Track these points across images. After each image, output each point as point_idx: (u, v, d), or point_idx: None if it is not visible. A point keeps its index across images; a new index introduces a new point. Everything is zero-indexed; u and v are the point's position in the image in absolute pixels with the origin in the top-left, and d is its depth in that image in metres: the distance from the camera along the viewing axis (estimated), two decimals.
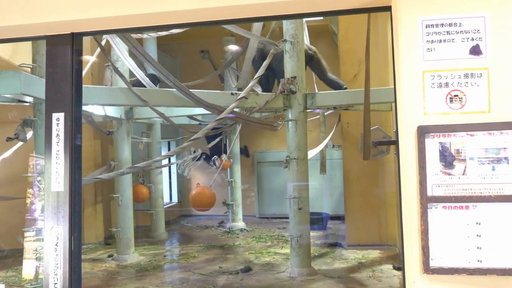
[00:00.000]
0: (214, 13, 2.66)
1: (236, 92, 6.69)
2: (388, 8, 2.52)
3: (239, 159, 10.86)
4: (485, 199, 2.10)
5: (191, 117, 8.64)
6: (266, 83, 7.72)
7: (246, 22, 3.16)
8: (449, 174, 2.14)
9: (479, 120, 2.16)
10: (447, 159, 2.15)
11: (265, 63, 6.58)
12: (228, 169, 10.60)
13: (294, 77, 6.56)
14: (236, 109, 6.28)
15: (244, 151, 12.24)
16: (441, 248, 2.12)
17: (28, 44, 5.66)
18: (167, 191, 12.58)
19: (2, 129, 6.51)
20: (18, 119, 5.27)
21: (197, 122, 9.28)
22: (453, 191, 2.13)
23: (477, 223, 2.10)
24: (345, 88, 7.43)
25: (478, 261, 2.09)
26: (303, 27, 6.90)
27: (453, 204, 2.13)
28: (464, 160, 2.14)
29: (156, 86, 7.52)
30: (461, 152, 2.14)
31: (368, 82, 4.26)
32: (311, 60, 7.43)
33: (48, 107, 2.88)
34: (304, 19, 7.15)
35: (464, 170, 2.13)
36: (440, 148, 2.16)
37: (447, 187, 2.14)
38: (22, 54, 6.50)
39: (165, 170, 11.92)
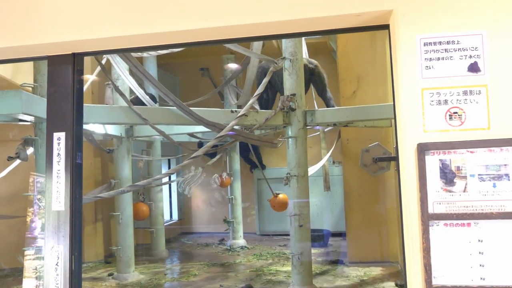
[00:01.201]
0: (214, 32, 2.68)
1: (236, 109, 6.72)
2: (386, 27, 2.54)
3: (240, 176, 10.84)
4: (486, 216, 2.10)
5: (191, 134, 8.65)
6: (266, 101, 7.74)
7: (245, 41, 3.19)
8: (450, 191, 2.15)
9: (479, 137, 2.16)
10: (448, 176, 2.15)
11: (265, 80, 6.61)
12: (229, 186, 10.57)
13: (294, 95, 6.58)
14: (236, 127, 6.29)
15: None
16: (443, 266, 2.12)
17: (30, 63, 5.70)
18: (167, 208, 12.54)
19: (3, 148, 6.51)
20: (19, 138, 5.28)
21: (197, 140, 9.29)
22: (454, 208, 2.13)
23: (479, 240, 2.10)
24: None
25: (481, 279, 2.09)
26: (302, 45, 6.95)
27: (454, 221, 2.13)
28: (465, 177, 2.14)
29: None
30: (461, 169, 2.15)
31: None
32: (312, 74, 7.45)
33: (49, 126, 2.89)
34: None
35: (465, 187, 2.14)
36: (441, 165, 2.16)
37: (448, 204, 2.14)
38: (23, 74, 6.53)
39: (165, 188, 11.90)
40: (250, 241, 11.00)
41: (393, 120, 2.48)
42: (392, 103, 2.49)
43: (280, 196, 8.50)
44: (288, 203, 8.28)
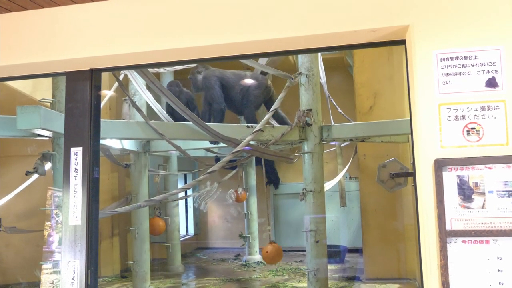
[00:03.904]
0: (230, 48, 2.70)
1: (252, 125, 6.72)
2: (402, 42, 2.54)
3: (255, 191, 10.81)
4: (505, 233, 2.06)
5: (207, 149, 8.66)
6: (204, 114, 7.54)
7: (262, 56, 3.21)
8: (468, 208, 2.12)
9: (497, 152, 2.14)
10: (466, 192, 2.12)
11: (281, 96, 6.62)
12: (244, 201, 10.54)
13: (310, 110, 6.58)
14: (252, 142, 6.30)
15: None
16: (461, 284, 2.08)
17: (49, 79, 5.78)
18: (183, 223, 12.54)
19: (22, 162, 6.59)
20: (37, 153, 5.34)
21: (214, 155, 9.30)
22: (472, 225, 2.10)
23: (498, 257, 2.06)
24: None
25: None
26: (318, 60, 6.96)
27: (473, 238, 2.10)
28: (483, 193, 2.11)
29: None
30: (479, 185, 2.12)
31: None
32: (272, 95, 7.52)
33: (67, 141, 2.93)
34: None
35: (483, 204, 2.11)
36: (458, 181, 2.14)
37: (467, 221, 2.11)
38: (42, 90, 6.63)
39: (181, 203, 11.91)
40: None
41: (410, 136, 2.46)
42: (409, 118, 2.48)
43: (274, 245, 7.94)
44: (281, 254, 7.97)
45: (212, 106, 7.28)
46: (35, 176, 5.75)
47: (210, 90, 7.28)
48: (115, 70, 3.95)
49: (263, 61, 6.71)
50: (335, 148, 9.19)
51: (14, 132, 4.85)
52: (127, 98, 7.38)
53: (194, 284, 8.90)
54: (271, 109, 6.60)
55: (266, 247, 7.78)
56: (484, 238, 2.08)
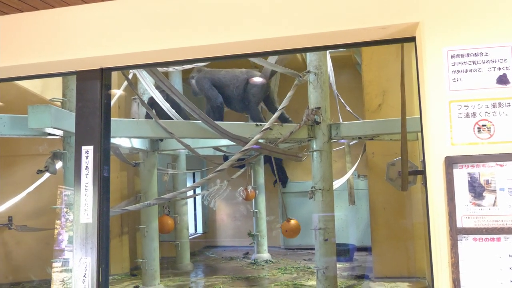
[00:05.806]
0: (239, 46, 2.70)
1: (261, 123, 6.73)
2: (412, 39, 2.54)
3: (264, 189, 10.82)
4: None
5: (216, 148, 8.68)
6: (217, 109, 7.63)
7: (271, 55, 3.21)
8: (479, 205, 2.11)
9: (508, 150, 2.13)
10: (477, 190, 2.12)
11: (289, 94, 6.62)
12: (253, 199, 10.55)
13: (319, 108, 6.58)
14: (260, 140, 6.30)
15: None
16: (472, 282, 2.08)
17: (59, 79, 5.81)
18: (192, 222, 12.57)
19: (33, 161, 6.64)
20: (48, 152, 5.38)
21: (222, 154, 9.32)
22: (483, 223, 2.10)
23: (509, 255, 2.06)
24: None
25: None
26: (326, 58, 6.95)
27: (484, 236, 2.09)
28: (494, 190, 2.10)
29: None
30: (490, 183, 2.11)
31: (404, 112, 4.25)
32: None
33: (77, 140, 2.95)
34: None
35: (495, 201, 2.10)
36: (469, 179, 2.13)
37: (477, 219, 2.10)
38: (53, 89, 6.67)
39: (190, 201, 11.94)
40: (274, 255, 10.94)
41: (419, 134, 2.46)
42: (419, 116, 2.47)
43: (292, 221, 8.50)
44: (300, 229, 8.51)
45: (210, 105, 7.41)
46: (46, 174, 5.79)
47: (204, 91, 7.47)
48: (125, 69, 3.97)
49: (272, 59, 6.71)
50: (343, 146, 9.18)
51: (25, 131, 4.89)
52: (136, 97, 7.40)
53: (203, 282, 8.92)
54: (280, 107, 6.60)
55: (285, 225, 8.39)
56: (495, 236, 2.08)
